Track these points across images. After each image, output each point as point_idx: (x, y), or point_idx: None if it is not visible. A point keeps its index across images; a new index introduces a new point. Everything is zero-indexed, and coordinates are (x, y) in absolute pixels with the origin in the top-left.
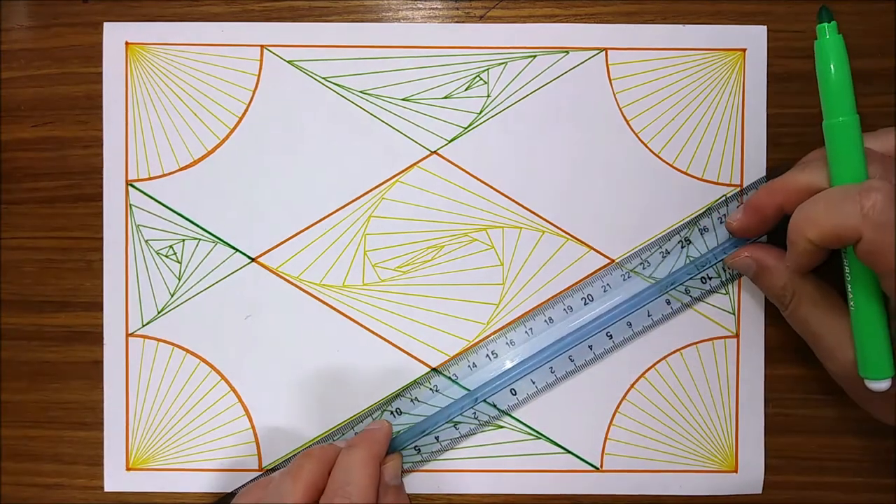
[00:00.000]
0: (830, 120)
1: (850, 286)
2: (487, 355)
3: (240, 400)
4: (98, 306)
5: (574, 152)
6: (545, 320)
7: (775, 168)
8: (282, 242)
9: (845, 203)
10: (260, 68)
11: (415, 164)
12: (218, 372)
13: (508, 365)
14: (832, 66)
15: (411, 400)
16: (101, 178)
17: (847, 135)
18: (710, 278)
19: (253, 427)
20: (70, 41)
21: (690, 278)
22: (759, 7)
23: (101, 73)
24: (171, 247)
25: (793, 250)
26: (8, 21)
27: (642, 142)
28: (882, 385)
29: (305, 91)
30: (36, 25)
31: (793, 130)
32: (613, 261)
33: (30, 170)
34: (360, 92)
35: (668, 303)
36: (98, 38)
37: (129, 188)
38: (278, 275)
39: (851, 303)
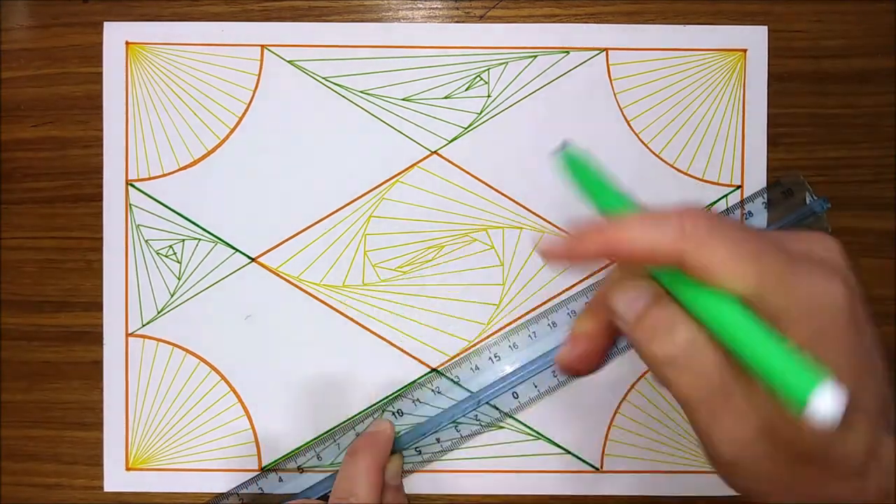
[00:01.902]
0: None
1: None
2: (490, 358)
3: (239, 400)
4: (98, 306)
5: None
6: (548, 324)
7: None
8: (282, 242)
9: (660, 227)
10: (260, 68)
11: (415, 164)
12: (218, 372)
13: (510, 369)
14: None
15: (413, 401)
16: (101, 178)
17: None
18: None
19: (252, 427)
20: (70, 41)
21: None
22: (760, 7)
23: (100, 73)
24: (170, 247)
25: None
26: (8, 21)
27: (643, 142)
28: (826, 402)
29: (305, 91)
30: (36, 25)
31: (792, 130)
32: (613, 261)
33: (30, 170)
34: (361, 92)
35: None
36: (98, 38)
37: (129, 188)
38: (278, 275)
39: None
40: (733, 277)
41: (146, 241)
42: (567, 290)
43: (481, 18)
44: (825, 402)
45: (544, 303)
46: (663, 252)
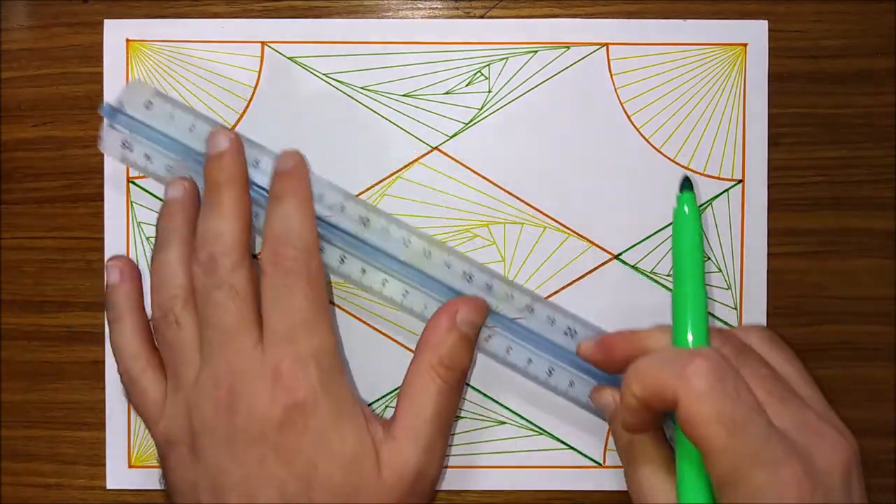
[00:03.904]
0: (679, 288)
1: (676, 457)
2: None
3: None
4: (98, 306)
5: (576, 147)
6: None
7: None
8: None
9: (671, 362)
10: (260, 65)
11: (416, 160)
12: None
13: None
14: (687, 240)
15: None
16: (102, 178)
17: (692, 305)
18: (708, 272)
19: None
20: (70, 41)
21: None
22: (760, 7)
23: (100, 73)
24: None
25: (621, 403)
26: (8, 21)
27: (644, 137)
28: None
29: (306, 87)
30: (36, 25)
31: (793, 130)
32: (615, 256)
33: (30, 169)
34: (361, 88)
35: None
36: (98, 39)
37: (131, 185)
38: None
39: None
40: (706, 437)
41: (147, 239)
42: (566, 286)
43: (481, 18)
44: None
45: (546, 298)
46: (664, 386)
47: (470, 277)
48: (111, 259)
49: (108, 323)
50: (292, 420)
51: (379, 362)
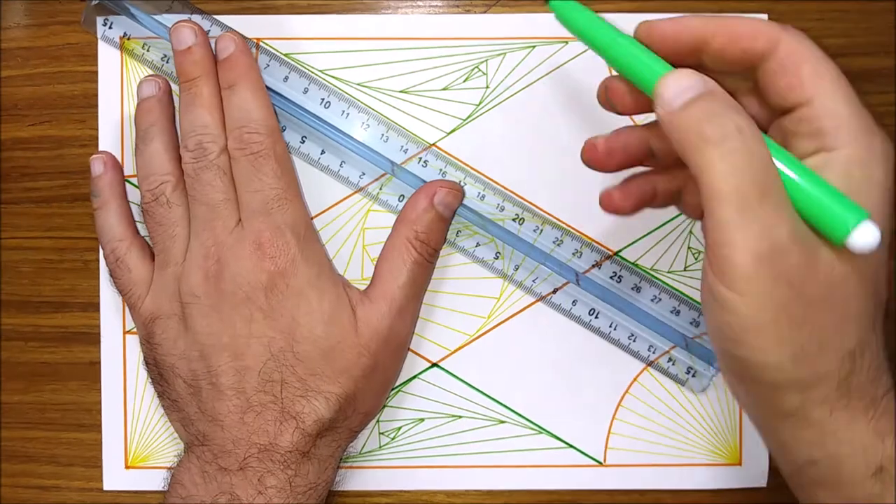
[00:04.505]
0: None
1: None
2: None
3: None
4: (95, 306)
5: (574, 143)
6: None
7: None
8: None
9: (757, 21)
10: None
11: (413, 156)
12: None
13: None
14: (584, 19)
15: None
16: None
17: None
18: None
19: None
20: (67, 39)
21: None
22: (761, 6)
23: (97, 72)
24: None
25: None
26: (5, 20)
27: None
28: (867, 234)
29: (302, 84)
30: (33, 24)
31: None
32: (614, 253)
33: (27, 169)
34: (358, 84)
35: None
36: (94, 37)
37: (126, 184)
38: None
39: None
40: (814, 82)
41: (144, 238)
42: (566, 286)
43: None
44: (865, 233)
45: (545, 296)
46: (763, 36)
47: (425, 163)
48: (95, 154)
49: (94, 210)
50: (275, 283)
51: None
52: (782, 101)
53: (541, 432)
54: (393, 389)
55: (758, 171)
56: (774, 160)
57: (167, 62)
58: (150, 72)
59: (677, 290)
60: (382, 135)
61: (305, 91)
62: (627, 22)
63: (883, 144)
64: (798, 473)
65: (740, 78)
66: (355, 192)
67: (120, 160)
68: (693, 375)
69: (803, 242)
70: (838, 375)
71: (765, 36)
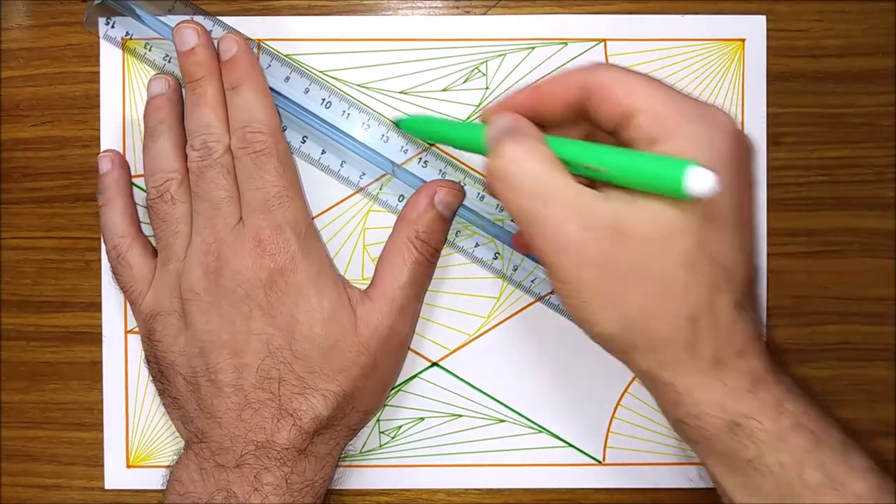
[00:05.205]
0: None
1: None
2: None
3: None
4: (96, 306)
5: None
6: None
7: None
8: None
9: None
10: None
11: (413, 156)
12: None
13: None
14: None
15: None
16: None
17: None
18: None
19: None
20: (68, 40)
21: None
22: (760, 6)
23: (98, 72)
24: None
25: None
26: (7, 20)
27: None
28: (700, 176)
29: (303, 84)
30: (34, 25)
31: (794, 130)
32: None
33: (29, 169)
34: (358, 85)
35: None
36: (96, 38)
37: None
38: None
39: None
40: (627, 93)
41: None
42: None
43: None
44: (697, 177)
45: (545, 296)
46: (576, 78)
47: (425, 163)
48: (103, 152)
49: (99, 207)
50: (274, 281)
51: None
52: (613, 124)
53: (540, 431)
54: (393, 388)
55: (533, 189)
56: (602, 154)
57: (169, 62)
58: (153, 72)
59: None
60: (383, 135)
61: (307, 91)
62: (627, 22)
63: (708, 129)
64: (680, 435)
65: (581, 119)
66: (356, 192)
67: None
68: None
69: (599, 230)
70: (681, 340)
71: (573, 86)
